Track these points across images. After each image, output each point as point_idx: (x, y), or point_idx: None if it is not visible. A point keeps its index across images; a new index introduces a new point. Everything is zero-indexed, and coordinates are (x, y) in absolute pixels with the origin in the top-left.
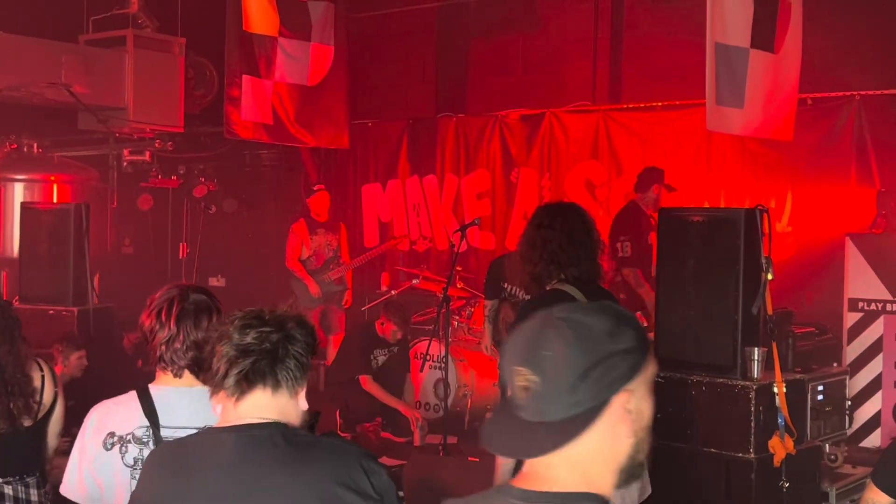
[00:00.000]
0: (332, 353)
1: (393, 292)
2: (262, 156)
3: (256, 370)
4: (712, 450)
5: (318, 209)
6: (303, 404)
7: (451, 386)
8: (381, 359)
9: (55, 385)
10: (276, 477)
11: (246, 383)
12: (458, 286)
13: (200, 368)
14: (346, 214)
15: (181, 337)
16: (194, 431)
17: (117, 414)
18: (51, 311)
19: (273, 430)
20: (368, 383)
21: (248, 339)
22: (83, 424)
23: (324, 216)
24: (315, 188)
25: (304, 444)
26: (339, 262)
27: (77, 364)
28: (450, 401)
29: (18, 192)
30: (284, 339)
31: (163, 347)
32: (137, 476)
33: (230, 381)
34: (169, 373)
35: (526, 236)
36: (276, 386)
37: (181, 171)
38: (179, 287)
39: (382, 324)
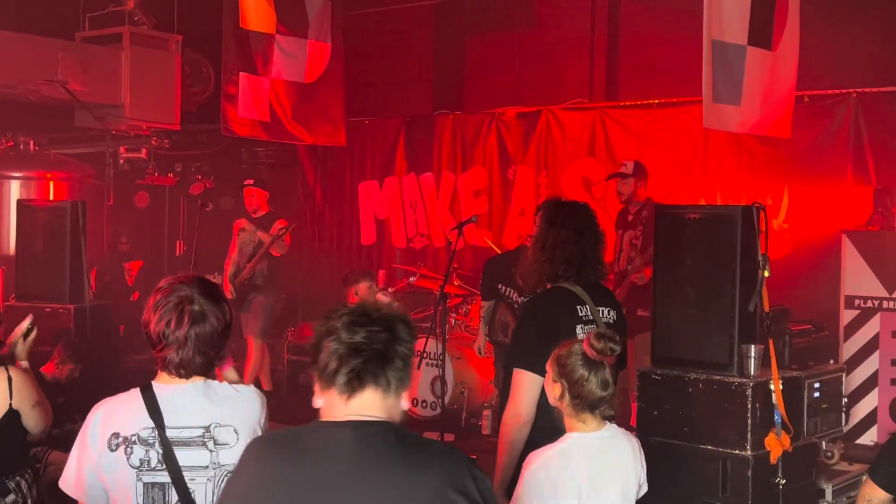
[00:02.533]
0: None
1: (389, 290)
2: (259, 153)
3: (367, 370)
4: (709, 447)
5: (249, 205)
6: (404, 404)
7: (448, 383)
8: None
9: (10, 396)
10: (398, 476)
11: (357, 382)
12: (455, 284)
13: (208, 371)
14: (342, 212)
15: (189, 344)
16: (200, 430)
17: (121, 414)
18: (47, 309)
19: (386, 429)
20: None
21: (358, 337)
22: (86, 421)
23: (259, 212)
24: (245, 183)
25: (416, 444)
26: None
27: (68, 374)
28: (447, 398)
29: (15, 190)
30: (392, 338)
31: (171, 355)
32: (143, 478)
33: (341, 378)
34: (175, 376)
35: (540, 233)
36: (386, 386)
37: (178, 169)
38: (187, 286)
39: (356, 293)
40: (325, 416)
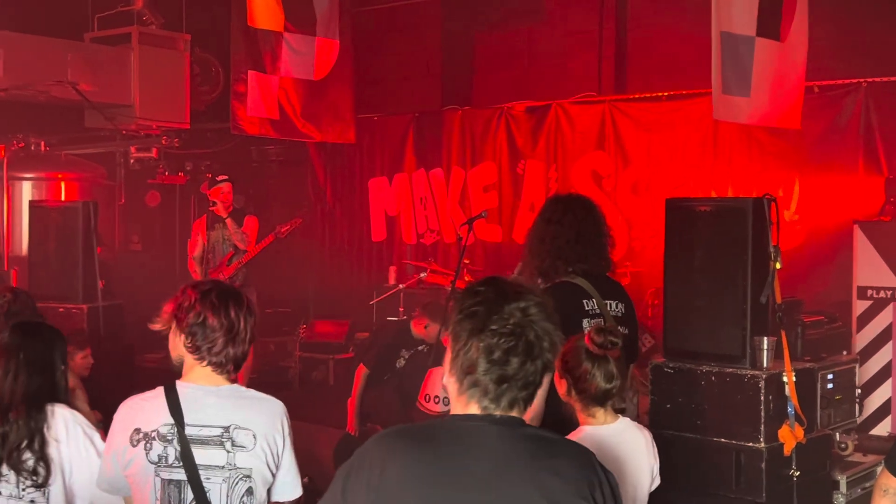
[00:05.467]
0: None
1: (401, 286)
2: (269, 151)
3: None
4: (722, 440)
5: (225, 201)
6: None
7: None
8: (403, 360)
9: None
10: (542, 474)
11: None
12: (466, 279)
13: (239, 367)
14: (353, 209)
15: (212, 321)
16: (219, 430)
17: (143, 410)
18: (61, 309)
19: (522, 424)
20: (359, 375)
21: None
22: (113, 418)
23: (228, 209)
24: (218, 179)
25: (553, 442)
26: (241, 257)
27: (83, 363)
28: None
29: (27, 191)
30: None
31: (195, 334)
32: (161, 474)
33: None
34: (207, 367)
35: (535, 230)
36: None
37: (188, 168)
38: (218, 287)
39: (426, 326)
40: (454, 410)
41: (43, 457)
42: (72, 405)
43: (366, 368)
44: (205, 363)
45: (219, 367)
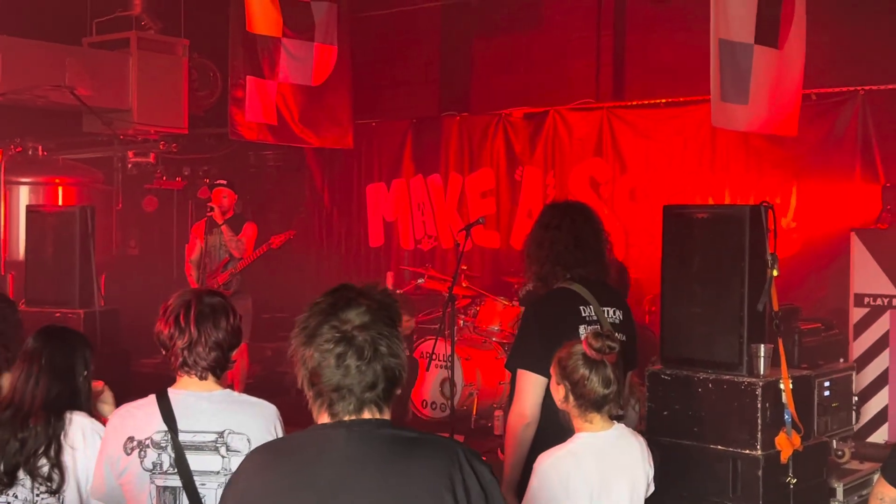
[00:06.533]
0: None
1: (398, 292)
2: (267, 156)
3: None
4: (719, 447)
5: (220, 206)
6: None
7: (458, 385)
8: None
9: None
10: (392, 477)
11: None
12: (464, 285)
13: (223, 369)
14: (350, 214)
15: (203, 339)
16: (214, 435)
17: (136, 418)
18: (57, 314)
19: (380, 426)
20: None
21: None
22: (106, 426)
23: (228, 214)
24: (216, 183)
25: (412, 440)
26: (236, 265)
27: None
28: (456, 400)
29: (24, 195)
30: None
31: (185, 353)
32: (156, 481)
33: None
34: (194, 376)
35: (533, 236)
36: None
37: (186, 173)
38: (192, 291)
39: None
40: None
41: (58, 463)
42: (96, 408)
43: None
44: (192, 375)
45: (207, 371)
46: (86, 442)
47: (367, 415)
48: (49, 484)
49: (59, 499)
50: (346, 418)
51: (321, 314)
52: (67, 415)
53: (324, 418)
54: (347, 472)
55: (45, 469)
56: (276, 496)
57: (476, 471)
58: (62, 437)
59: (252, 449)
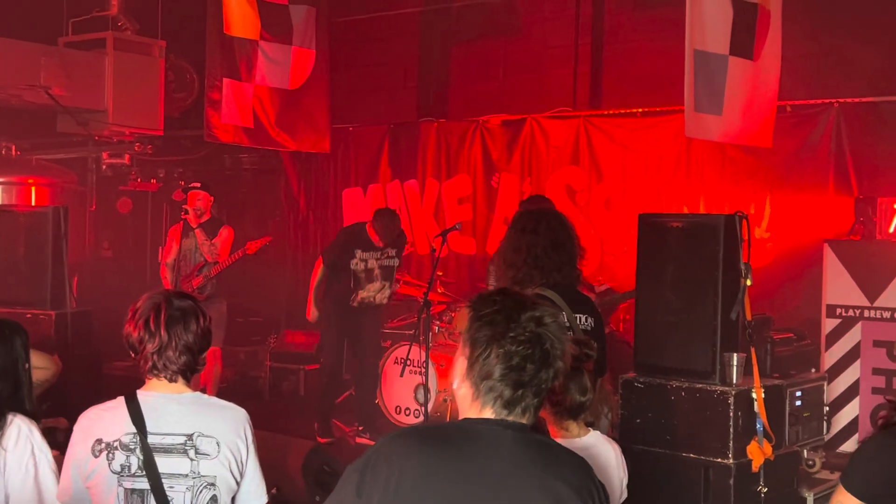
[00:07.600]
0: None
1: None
2: (243, 159)
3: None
4: (691, 455)
5: (195, 208)
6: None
7: (432, 391)
8: (360, 263)
9: None
10: (549, 480)
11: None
12: (439, 291)
13: (193, 372)
14: (326, 219)
15: (173, 343)
16: (183, 438)
17: (105, 420)
18: (28, 315)
19: (533, 431)
20: (317, 266)
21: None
22: (73, 429)
23: (203, 217)
24: (191, 186)
25: (556, 448)
26: (210, 269)
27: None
28: (430, 406)
29: None
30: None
31: (155, 357)
32: (124, 483)
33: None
34: (163, 378)
35: (509, 240)
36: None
37: (160, 175)
38: (162, 293)
39: (377, 230)
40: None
41: None
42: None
43: (322, 263)
44: (162, 377)
45: (177, 374)
46: (17, 444)
47: (525, 419)
48: None
49: None
50: (510, 418)
51: (507, 311)
52: (9, 416)
53: (485, 412)
54: (513, 471)
55: None
56: (442, 482)
57: (602, 485)
58: None
59: (392, 434)
